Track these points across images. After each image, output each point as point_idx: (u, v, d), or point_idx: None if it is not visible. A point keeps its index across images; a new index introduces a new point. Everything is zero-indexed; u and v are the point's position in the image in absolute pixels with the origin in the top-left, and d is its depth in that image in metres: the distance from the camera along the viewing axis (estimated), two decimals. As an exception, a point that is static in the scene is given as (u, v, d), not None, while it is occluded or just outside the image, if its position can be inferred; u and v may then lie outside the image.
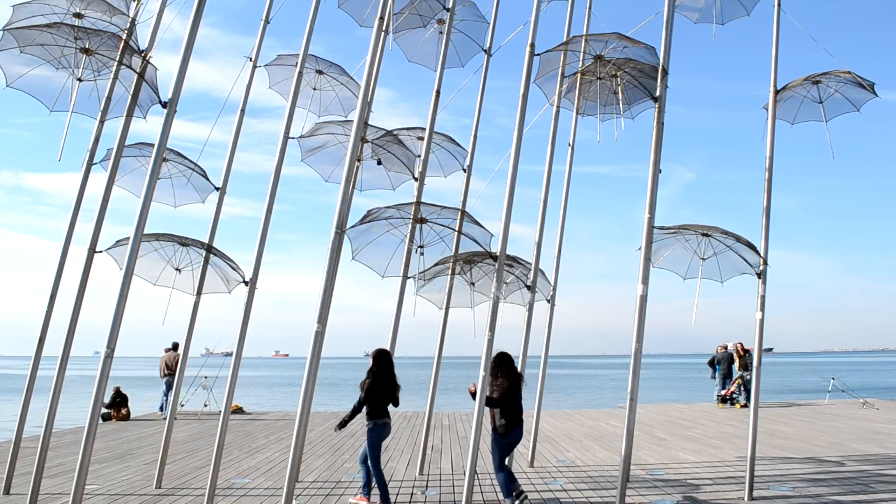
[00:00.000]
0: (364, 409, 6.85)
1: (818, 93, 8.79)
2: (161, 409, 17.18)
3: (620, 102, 8.11)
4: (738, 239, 7.69)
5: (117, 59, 6.78)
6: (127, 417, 15.80)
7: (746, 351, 18.36)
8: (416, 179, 8.37)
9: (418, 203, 7.47)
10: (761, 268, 7.83)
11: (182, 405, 15.90)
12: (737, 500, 7.32)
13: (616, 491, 6.57)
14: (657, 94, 7.28)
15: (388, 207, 7.13)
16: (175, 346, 16.93)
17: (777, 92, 8.47)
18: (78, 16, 7.22)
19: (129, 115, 6.99)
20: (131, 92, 6.87)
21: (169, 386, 16.44)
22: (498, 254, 7.19)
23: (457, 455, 10.44)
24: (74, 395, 28.17)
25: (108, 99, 7.39)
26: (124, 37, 6.76)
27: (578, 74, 8.42)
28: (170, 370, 16.59)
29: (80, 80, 6.92)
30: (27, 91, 7.00)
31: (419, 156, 8.88)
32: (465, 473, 6.68)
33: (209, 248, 8.11)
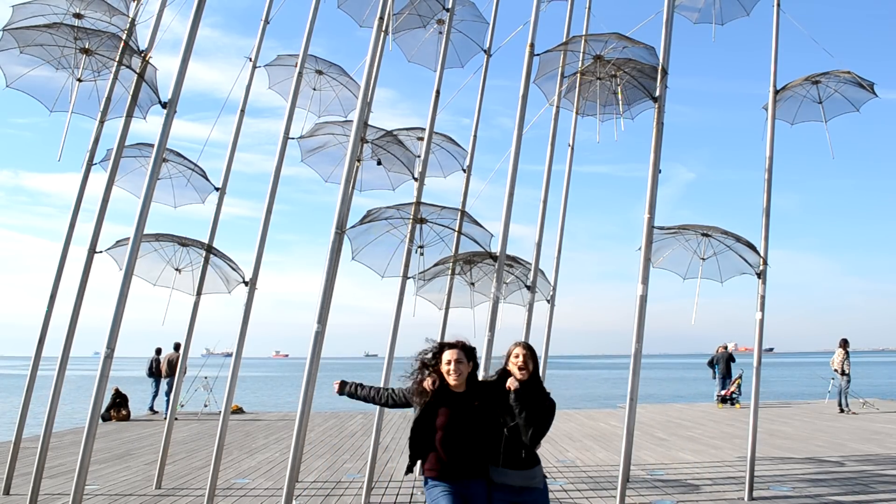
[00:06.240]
0: None
1: (818, 93, 8.78)
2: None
3: (620, 102, 8.10)
4: (738, 239, 7.69)
5: (117, 59, 6.77)
6: (127, 418, 15.79)
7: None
8: (415, 179, 8.36)
9: (418, 203, 7.47)
10: (761, 268, 7.83)
11: (182, 405, 15.90)
12: (737, 500, 7.32)
13: (616, 491, 6.57)
14: (657, 94, 7.28)
15: (388, 207, 7.13)
16: (176, 347, 16.96)
17: (777, 92, 8.47)
18: (78, 16, 7.23)
19: (129, 116, 6.99)
20: (131, 92, 6.87)
21: (169, 386, 16.48)
22: (498, 254, 7.20)
23: (457, 455, 10.42)
24: (74, 395, 28.16)
25: (108, 99, 7.39)
26: (124, 37, 6.76)
27: (578, 74, 8.42)
28: (171, 370, 16.63)
29: (79, 80, 6.92)
30: (27, 91, 7.00)
31: (419, 156, 8.87)
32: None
33: (209, 249, 8.11)
